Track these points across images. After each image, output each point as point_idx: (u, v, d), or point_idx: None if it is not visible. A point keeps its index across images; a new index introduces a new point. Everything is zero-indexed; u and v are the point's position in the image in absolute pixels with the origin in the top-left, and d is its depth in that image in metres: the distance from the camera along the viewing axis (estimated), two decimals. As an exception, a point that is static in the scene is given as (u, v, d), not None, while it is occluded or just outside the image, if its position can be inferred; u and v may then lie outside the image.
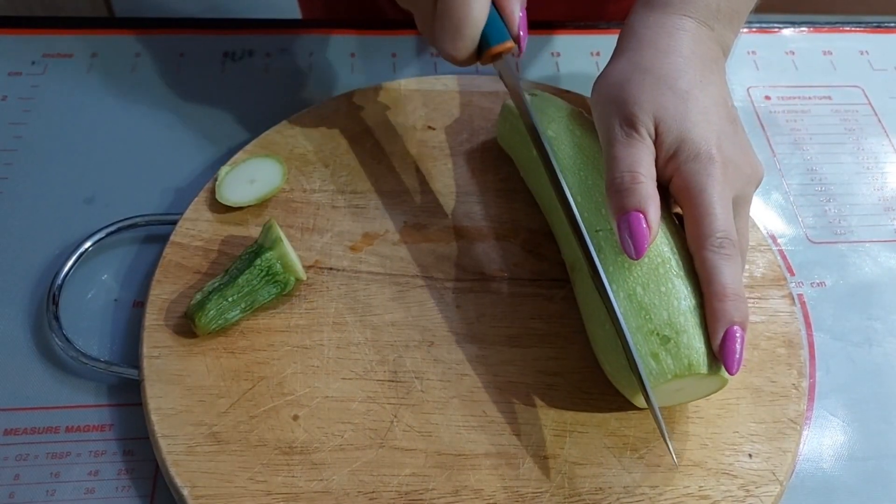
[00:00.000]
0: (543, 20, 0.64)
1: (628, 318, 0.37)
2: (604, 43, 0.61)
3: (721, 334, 0.36)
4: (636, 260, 0.37)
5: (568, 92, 0.54)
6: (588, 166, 0.42)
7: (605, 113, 0.41)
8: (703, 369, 0.35)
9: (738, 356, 0.36)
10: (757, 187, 0.41)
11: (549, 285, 0.45)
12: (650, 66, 0.40)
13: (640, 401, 0.38)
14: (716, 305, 0.36)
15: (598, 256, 0.38)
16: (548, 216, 0.46)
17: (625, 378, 0.37)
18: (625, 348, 0.36)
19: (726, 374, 0.36)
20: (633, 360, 0.36)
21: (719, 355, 0.36)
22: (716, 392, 0.38)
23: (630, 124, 0.39)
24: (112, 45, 0.59)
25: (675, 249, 0.38)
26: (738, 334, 0.36)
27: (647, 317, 0.36)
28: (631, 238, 0.36)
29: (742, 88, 0.59)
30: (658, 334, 0.36)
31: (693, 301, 0.37)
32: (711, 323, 0.36)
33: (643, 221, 0.36)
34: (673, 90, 0.39)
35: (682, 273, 0.37)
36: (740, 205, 0.39)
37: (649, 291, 0.37)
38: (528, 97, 0.40)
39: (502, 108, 0.49)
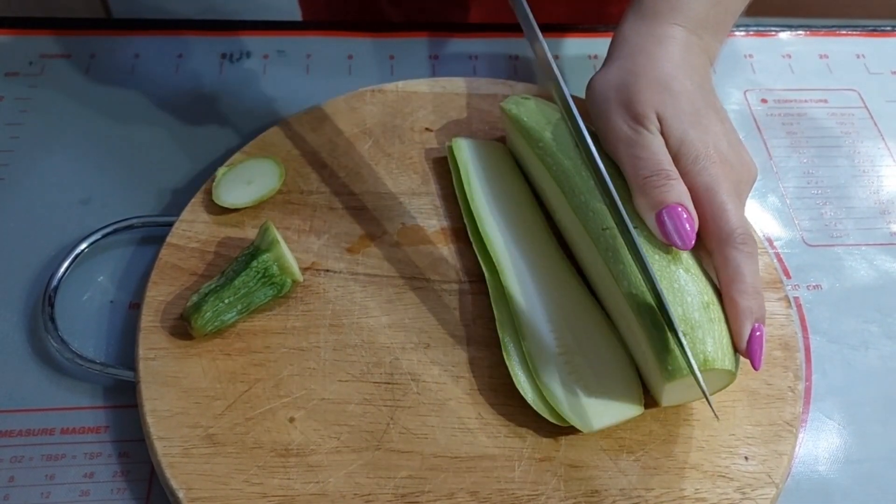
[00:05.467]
0: (542, 23, 0.64)
1: (643, 314, 0.37)
2: (602, 46, 0.61)
3: (748, 331, 0.36)
4: (685, 250, 0.37)
5: (565, 94, 0.54)
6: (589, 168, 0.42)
7: (606, 114, 0.41)
8: (718, 364, 0.36)
9: (762, 352, 0.36)
10: (752, 187, 0.41)
11: (545, 288, 0.45)
12: (643, 71, 0.41)
13: (664, 398, 0.38)
14: (741, 303, 0.36)
15: (606, 256, 0.39)
16: (559, 216, 0.46)
17: (652, 372, 0.38)
18: (673, 333, 0.36)
19: (735, 371, 0.37)
20: (679, 344, 0.36)
21: (745, 352, 0.36)
22: (721, 390, 0.38)
23: (638, 121, 0.40)
24: (110, 46, 0.59)
25: None
26: (760, 331, 0.36)
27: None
28: (676, 229, 0.37)
29: (739, 91, 0.60)
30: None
31: (704, 297, 0.37)
32: (737, 320, 0.36)
33: (684, 213, 0.37)
34: (668, 91, 0.40)
35: (691, 269, 0.38)
36: None
37: (663, 287, 0.37)
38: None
39: (502, 110, 0.49)
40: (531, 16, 0.39)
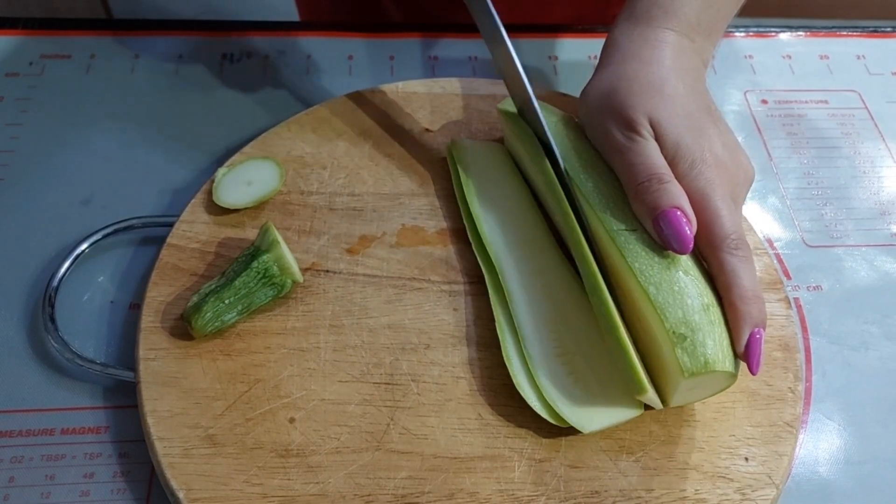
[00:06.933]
0: (544, 24, 0.64)
1: (624, 321, 0.37)
2: (601, 47, 0.62)
3: (746, 337, 0.36)
4: (684, 254, 0.37)
5: (565, 95, 0.54)
6: (587, 170, 0.42)
7: (599, 122, 0.41)
8: (719, 367, 0.36)
9: (760, 357, 0.36)
10: (748, 188, 0.41)
11: (545, 288, 0.45)
12: (635, 76, 0.41)
13: (648, 399, 0.38)
14: (740, 308, 0.36)
15: (598, 259, 0.39)
16: (558, 219, 0.46)
17: (629, 375, 0.38)
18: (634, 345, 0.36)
19: (736, 372, 0.37)
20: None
21: (744, 357, 0.37)
22: (722, 391, 0.38)
23: (630, 128, 0.40)
24: (110, 46, 0.59)
25: None
26: (759, 335, 0.37)
27: (663, 315, 0.36)
28: (674, 234, 0.37)
29: (739, 92, 0.60)
30: (674, 332, 0.36)
31: (704, 299, 0.37)
32: (736, 326, 0.37)
33: (683, 216, 0.37)
34: (661, 95, 0.40)
35: (690, 272, 0.38)
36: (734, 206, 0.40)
37: (663, 290, 0.37)
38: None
39: (499, 111, 0.49)
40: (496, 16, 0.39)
